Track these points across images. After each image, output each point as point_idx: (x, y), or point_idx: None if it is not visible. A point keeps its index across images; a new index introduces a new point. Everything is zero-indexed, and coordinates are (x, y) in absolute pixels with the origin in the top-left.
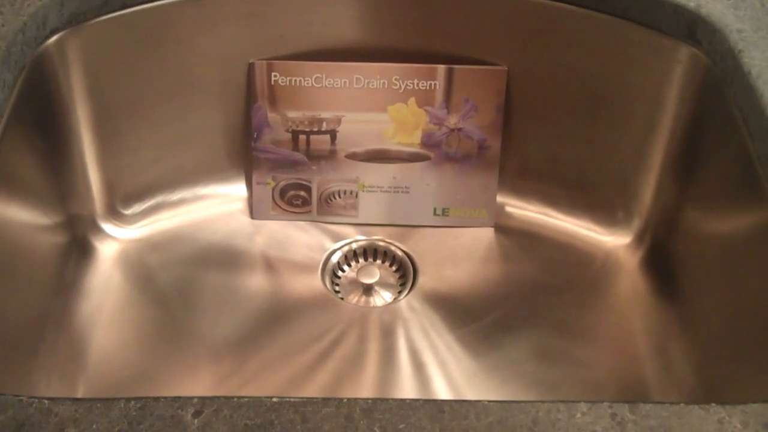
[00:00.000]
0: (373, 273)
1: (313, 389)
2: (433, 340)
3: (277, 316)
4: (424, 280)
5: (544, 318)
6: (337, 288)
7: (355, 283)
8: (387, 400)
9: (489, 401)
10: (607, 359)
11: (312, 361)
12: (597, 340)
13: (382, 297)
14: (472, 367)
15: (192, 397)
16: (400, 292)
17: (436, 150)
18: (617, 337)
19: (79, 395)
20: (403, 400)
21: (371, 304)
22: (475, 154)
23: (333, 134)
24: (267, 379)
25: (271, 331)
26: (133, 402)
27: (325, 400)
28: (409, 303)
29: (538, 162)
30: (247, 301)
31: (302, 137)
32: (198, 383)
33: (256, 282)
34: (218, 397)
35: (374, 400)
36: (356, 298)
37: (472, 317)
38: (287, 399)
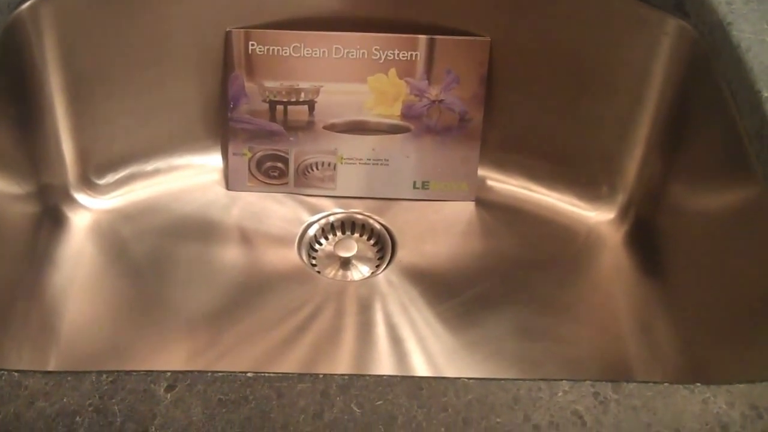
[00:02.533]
0: (351, 246)
1: (288, 364)
2: (411, 315)
3: (253, 290)
4: (403, 255)
5: (526, 294)
6: (314, 261)
7: (332, 257)
8: (364, 376)
9: (468, 378)
10: (590, 337)
11: (288, 335)
12: (579, 317)
13: (360, 271)
14: (451, 343)
15: (165, 371)
16: (378, 267)
17: (416, 122)
18: (600, 314)
19: (51, 368)
20: (381, 377)
21: (348, 278)
22: (456, 126)
23: (311, 105)
24: (242, 353)
25: (246, 305)
26: (104, 375)
27: (301, 376)
28: (387, 277)
29: (520, 135)
30: (222, 274)
31: (280, 108)
32: (172, 357)
33: (231, 254)
34: (192, 372)
35: (351, 376)
36: (333, 272)
37: (452, 293)
38: (262, 374)
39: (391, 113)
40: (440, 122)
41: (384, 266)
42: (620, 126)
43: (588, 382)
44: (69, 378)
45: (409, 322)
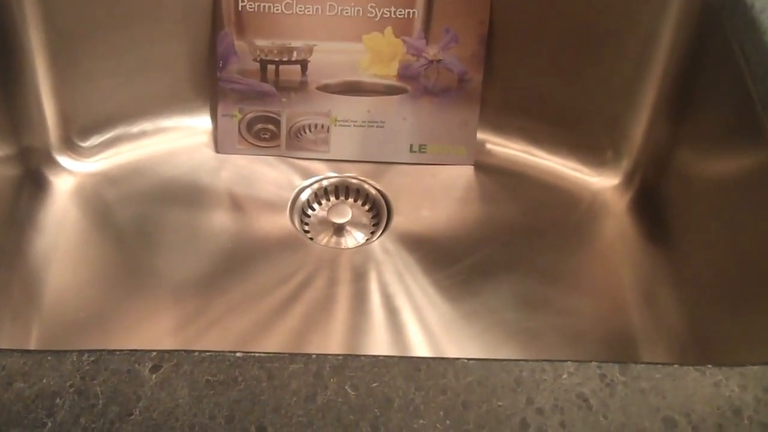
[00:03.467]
0: (345, 212)
1: (279, 335)
2: (407, 284)
3: (243, 257)
4: (399, 221)
5: (526, 263)
6: (306, 228)
7: (325, 223)
8: (359, 356)
9: (468, 359)
10: (592, 308)
11: (279, 305)
12: (581, 287)
13: (354, 238)
14: (448, 313)
15: (150, 351)
16: (373, 233)
17: (413, 83)
18: (603, 284)
19: (33, 338)
20: (377, 357)
21: (342, 245)
22: (455, 87)
23: (304, 64)
24: (231, 324)
25: (235, 273)
26: (86, 355)
27: (293, 356)
28: (382, 244)
29: (522, 97)
30: (210, 241)
31: (271, 67)
32: (158, 326)
33: (220, 220)
34: (178, 351)
35: (345, 356)
36: (326, 239)
37: (450, 261)
38: (252, 354)
39: (387, 73)
40: (438, 83)
41: (379, 233)
42: (626, 88)
43: (594, 364)
44: (49, 357)
45: (405, 292)
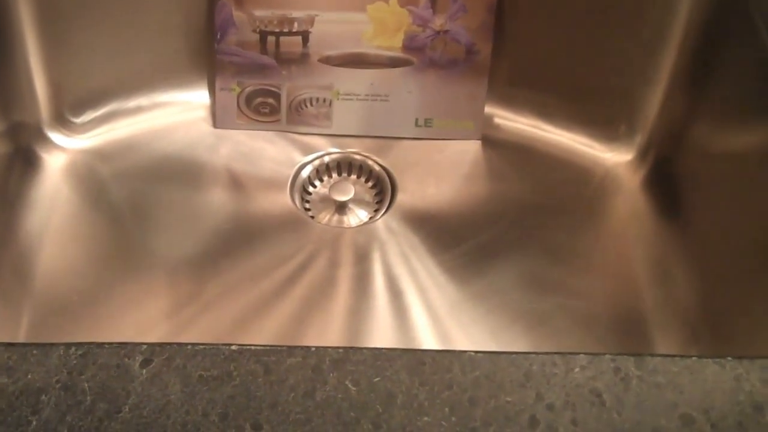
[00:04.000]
0: (348, 189)
1: (277, 319)
2: (412, 264)
3: (241, 236)
4: (404, 198)
5: (535, 242)
6: (307, 205)
7: (327, 201)
8: (361, 349)
9: (475, 352)
10: (603, 288)
11: (278, 287)
12: (592, 268)
13: (357, 216)
14: (454, 295)
15: (140, 344)
16: (376, 211)
17: (419, 54)
18: (615, 264)
19: (24, 322)
20: (379, 350)
21: (344, 224)
22: (462, 59)
23: (305, 36)
24: (228, 306)
25: (233, 253)
26: (73, 348)
27: (291, 349)
28: (386, 223)
29: (532, 69)
30: (207, 219)
31: (271, 39)
32: (153, 309)
33: (218, 198)
34: (170, 345)
35: (346, 349)
36: (328, 217)
37: (456, 240)
38: (248, 347)
39: (392, 45)
40: (445, 55)
41: (383, 211)
42: (642, 60)
43: (608, 357)
44: (34, 351)
45: (409, 273)
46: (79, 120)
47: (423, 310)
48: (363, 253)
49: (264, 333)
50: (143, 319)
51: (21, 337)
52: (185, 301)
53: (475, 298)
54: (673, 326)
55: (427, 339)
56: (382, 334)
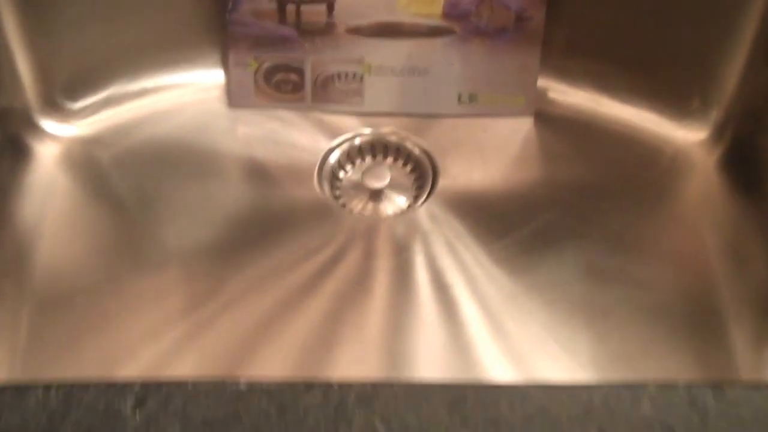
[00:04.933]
0: (383, 175)
1: (308, 317)
2: (459, 255)
3: (262, 228)
4: (446, 183)
5: (595, 229)
6: (337, 193)
7: (360, 188)
8: (391, 385)
9: (527, 386)
10: (672, 280)
11: (306, 282)
12: (659, 256)
13: (394, 203)
14: (507, 287)
15: (132, 383)
16: (415, 198)
17: (462, 22)
18: (685, 252)
19: (23, 327)
20: (413, 385)
21: (380, 213)
22: (511, 27)
23: (330, 3)
24: (250, 305)
25: (254, 247)
26: (54, 390)
27: (309, 387)
28: (427, 211)
29: (591, 36)
30: (224, 210)
31: (291, 7)
32: (165, 310)
33: (235, 186)
34: (167, 383)
35: (374, 385)
36: (361, 206)
37: (506, 228)
38: (258, 384)
39: (431, 12)
40: (492, 22)
41: (423, 198)
42: (720, 26)
43: (681, 386)
44: (8, 393)
45: (456, 264)
46: (73, 105)
47: (473, 304)
48: (402, 245)
49: (292, 335)
50: (155, 319)
51: (22, 345)
52: (201, 301)
53: (530, 291)
54: (752, 321)
55: (479, 334)
56: (427, 331)
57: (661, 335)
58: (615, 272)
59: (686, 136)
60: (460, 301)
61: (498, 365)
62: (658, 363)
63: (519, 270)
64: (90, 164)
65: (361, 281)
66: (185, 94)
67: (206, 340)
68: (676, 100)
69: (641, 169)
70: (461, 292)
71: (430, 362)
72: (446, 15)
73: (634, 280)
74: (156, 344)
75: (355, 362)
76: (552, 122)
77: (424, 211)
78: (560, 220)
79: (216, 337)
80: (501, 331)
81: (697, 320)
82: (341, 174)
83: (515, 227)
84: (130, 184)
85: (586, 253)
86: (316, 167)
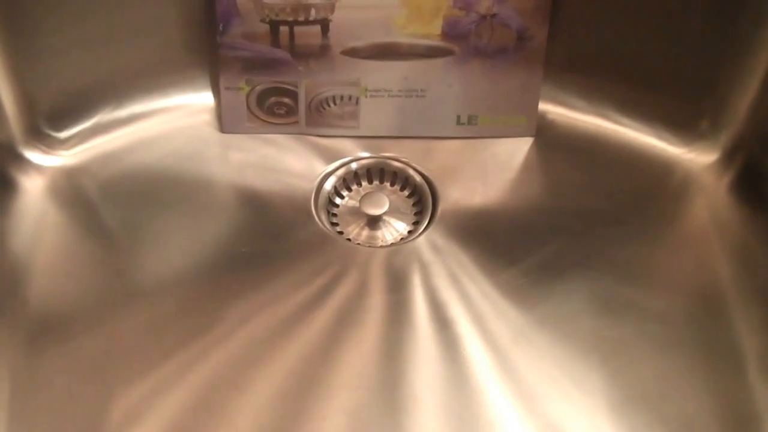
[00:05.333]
0: (381, 202)
1: (296, 360)
2: (464, 288)
3: (256, 259)
4: (447, 209)
5: (603, 257)
6: (334, 220)
7: (356, 215)
8: None
9: None
10: (685, 311)
11: (298, 318)
12: (671, 286)
13: (393, 231)
14: (516, 322)
15: None
16: (415, 225)
17: (461, 42)
18: (698, 281)
19: (18, 365)
20: None
21: (378, 241)
22: (512, 47)
23: (324, 24)
24: (243, 339)
25: (245, 279)
26: None
27: None
28: (428, 239)
29: (595, 53)
30: (215, 240)
31: (284, 29)
32: (159, 343)
33: (227, 215)
34: None
35: None
36: (359, 233)
37: (512, 258)
38: None
39: (429, 32)
40: (493, 42)
41: (423, 225)
42: (730, 44)
43: None
44: None
45: (460, 298)
46: (59, 134)
47: (480, 341)
48: (401, 277)
49: (280, 376)
50: (149, 355)
51: (9, 385)
52: (194, 335)
53: (541, 326)
54: None
55: (486, 375)
56: (429, 372)
57: (677, 371)
58: (626, 304)
59: (695, 158)
60: (464, 337)
61: (509, 409)
62: (676, 402)
63: (527, 303)
64: (78, 195)
65: (357, 317)
66: (175, 120)
67: (198, 376)
68: (684, 121)
69: (648, 192)
70: (466, 329)
71: (432, 407)
72: (445, 35)
73: (646, 312)
74: (146, 382)
75: (350, 409)
76: (554, 143)
77: (424, 240)
78: (566, 249)
79: (207, 373)
80: (511, 371)
81: (714, 353)
82: (338, 200)
83: (521, 257)
84: (119, 214)
85: (594, 284)
86: (312, 194)
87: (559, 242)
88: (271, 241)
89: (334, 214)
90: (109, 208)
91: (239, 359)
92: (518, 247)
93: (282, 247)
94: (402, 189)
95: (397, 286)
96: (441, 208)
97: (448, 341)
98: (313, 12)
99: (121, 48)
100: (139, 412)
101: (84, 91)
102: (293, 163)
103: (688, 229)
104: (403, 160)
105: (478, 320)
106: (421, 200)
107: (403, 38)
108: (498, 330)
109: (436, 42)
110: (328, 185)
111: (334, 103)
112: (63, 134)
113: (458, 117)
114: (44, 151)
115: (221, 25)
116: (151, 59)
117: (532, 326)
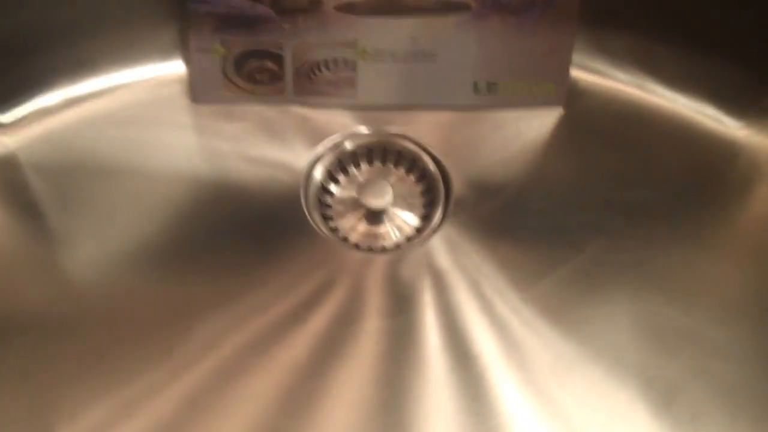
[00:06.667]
0: (383, 191)
1: (272, 396)
2: (490, 308)
3: (229, 261)
4: (462, 197)
5: (651, 267)
6: (327, 212)
7: (354, 205)
8: None
9: None
10: (755, 342)
11: (278, 340)
12: (735, 308)
13: (398, 226)
14: (556, 351)
15: None
16: (425, 218)
17: None
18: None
19: None
20: None
21: (379, 241)
22: (540, 1)
23: None
24: (205, 367)
25: (215, 291)
26: None
27: None
28: (443, 239)
29: (638, 8)
30: (183, 233)
31: None
32: (111, 370)
33: (197, 202)
34: None
35: None
36: (354, 231)
37: (544, 265)
38: None
39: None
40: None
41: (435, 220)
42: None
43: None
44: None
45: (484, 318)
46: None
47: (516, 385)
48: (408, 291)
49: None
50: (96, 383)
51: None
52: (153, 359)
53: (583, 357)
54: None
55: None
56: (443, 424)
57: (744, 424)
58: (679, 334)
59: (753, 137)
60: (493, 377)
61: None
62: None
63: (566, 327)
64: (21, 189)
65: (348, 349)
66: (139, 91)
67: (155, 405)
68: (749, 94)
69: (704, 182)
70: (495, 363)
71: None
72: None
73: (705, 346)
74: (94, 415)
75: None
76: (588, 117)
77: (437, 241)
78: (606, 255)
79: (165, 405)
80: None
81: None
82: (332, 187)
83: (553, 265)
84: (71, 211)
85: (642, 304)
86: (301, 180)
87: (597, 245)
88: (248, 239)
89: (327, 205)
90: (58, 197)
91: (204, 389)
92: (549, 251)
93: (261, 246)
94: (408, 173)
95: (402, 304)
96: (455, 195)
97: (470, 382)
98: None
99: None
100: None
101: (25, 57)
102: (277, 140)
103: (754, 230)
104: (410, 136)
105: (511, 352)
106: (432, 187)
107: None
108: (536, 366)
109: None
110: (320, 168)
111: (327, 68)
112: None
113: (475, 84)
114: None
115: None
116: (108, 16)
117: (574, 357)
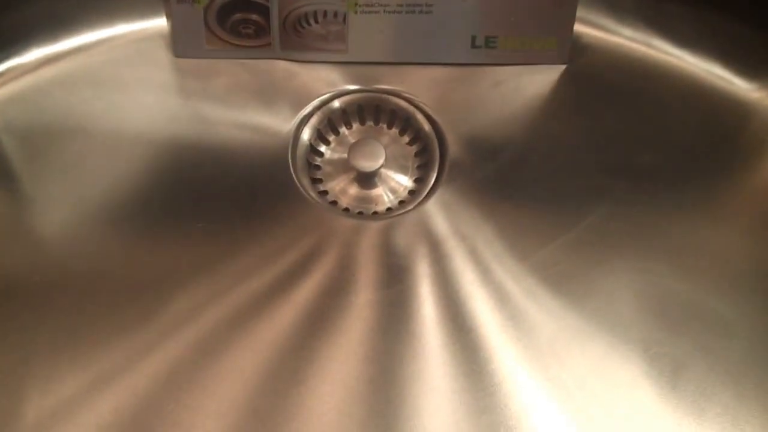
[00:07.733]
0: (375, 153)
1: (258, 374)
2: (487, 274)
3: (213, 229)
4: (458, 159)
5: (657, 234)
6: (316, 175)
7: (344, 166)
8: None
9: None
10: (761, 314)
11: (261, 312)
12: (743, 281)
13: (391, 188)
14: (561, 323)
15: None
16: (419, 182)
17: None
18: None
19: None
20: None
21: (371, 205)
22: None
23: None
24: (187, 338)
25: (196, 256)
26: None
27: None
28: (438, 203)
29: None
30: (165, 194)
31: None
32: (85, 341)
33: (178, 163)
34: None
35: None
36: (345, 195)
37: (545, 232)
38: None
39: None
40: None
41: (429, 183)
42: None
43: None
44: None
45: (486, 293)
46: None
47: (516, 358)
48: (400, 264)
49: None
50: (71, 354)
51: None
52: (129, 329)
53: (587, 332)
54: None
55: (523, 401)
56: (438, 403)
57: (749, 402)
58: (685, 308)
59: (766, 99)
60: (493, 350)
61: None
62: None
63: (570, 299)
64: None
65: (338, 323)
66: (117, 47)
67: (131, 376)
68: (754, 51)
69: (714, 145)
70: (495, 337)
71: None
72: None
73: (711, 322)
74: (67, 387)
75: None
76: (592, 74)
77: (432, 205)
78: (610, 222)
79: (142, 376)
80: (557, 389)
81: None
82: (322, 148)
83: (555, 232)
84: (48, 166)
85: (647, 275)
86: (290, 142)
87: (601, 211)
88: (233, 202)
89: (316, 167)
90: (28, 161)
91: (182, 362)
92: (550, 217)
93: (247, 210)
94: (402, 133)
95: (395, 274)
96: (450, 156)
97: (466, 357)
98: None
99: None
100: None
101: (4, 13)
102: (263, 98)
103: (766, 198)
104: (404, 94)
105: (510, 325)
106: (427, 148)
107: None
108: (536, 340)
109: None
110: (308, 128)
111: (316, 21)
112: None
113: (473, 38)
114: None
115: None
116: None
117: (575, 331)
